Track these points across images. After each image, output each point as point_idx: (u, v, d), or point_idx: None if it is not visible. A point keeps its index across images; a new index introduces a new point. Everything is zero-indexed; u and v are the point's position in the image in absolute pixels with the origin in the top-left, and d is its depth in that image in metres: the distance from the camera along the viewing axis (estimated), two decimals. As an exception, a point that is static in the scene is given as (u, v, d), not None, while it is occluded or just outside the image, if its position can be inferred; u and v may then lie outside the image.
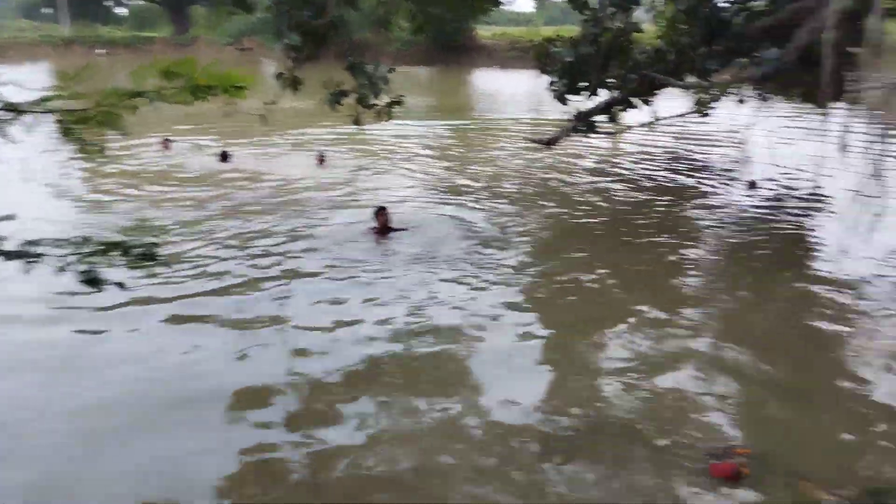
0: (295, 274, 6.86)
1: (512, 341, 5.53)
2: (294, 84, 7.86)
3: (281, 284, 6.58)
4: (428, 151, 13.78)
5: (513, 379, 4.97)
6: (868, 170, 6.42)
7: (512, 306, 6.21)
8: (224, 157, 11.95)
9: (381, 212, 8.14)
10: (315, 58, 7.96)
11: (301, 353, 5.30)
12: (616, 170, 12.11)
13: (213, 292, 6.37)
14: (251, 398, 4.67)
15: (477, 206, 9.54)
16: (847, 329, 5.80)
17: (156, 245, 3.28)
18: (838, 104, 8.79)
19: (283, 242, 7.85)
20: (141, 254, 3.10)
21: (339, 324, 5.74)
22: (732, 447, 4.07)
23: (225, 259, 7.25)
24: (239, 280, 6.68)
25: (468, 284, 6.64)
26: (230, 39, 37.32)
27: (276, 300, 6.21)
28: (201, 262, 7.09)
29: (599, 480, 3.88)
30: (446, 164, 12.62)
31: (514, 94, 25.64)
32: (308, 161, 12.13)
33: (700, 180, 11.34)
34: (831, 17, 6.58)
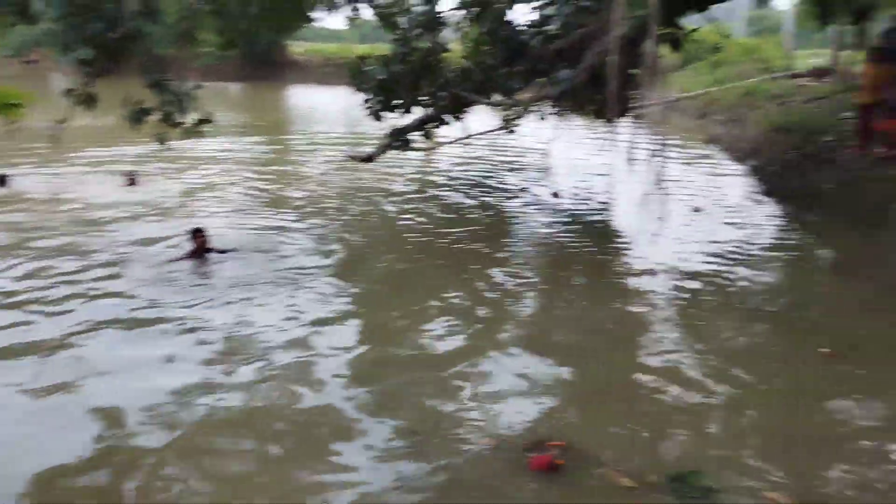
0: (94, 305, 6.31)
1: (336, 358, 5.51)
2: (87, 101, 7.29)
3: (76, 323, 5.98)
4: (246, 169, 13.34)
5: (335, 394, 4.95)
6: (651, 178, 7.16)
7: (336, 321, 6.19)
8: (1, 181, 10.73)
9: (197, 233, 7.75)
10: (109, 73, 7.42)
11: (102, 411, 4.90)
12: (432, 183, 12.49)
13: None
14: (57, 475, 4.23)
15: (300, 223, 9.40)
16: (643, 326, 6.39)
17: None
18: (624, 120, 9.79)
19: (82, 270, 7.20)
20: None
21: (139, 362, 5.37)
22: (547, 441, 4.32)
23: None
24: (25, 317, 6.03)
25: (292, 304, 6.52)
26: (12, 52, 33.55)
27: (71, 338, 5.67)
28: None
29: (424, 479, 3.99)
30: (267, 181, 12.30)
31: (330, 110, 25.58)
32: (113, 182, 11.25)
33: (509, 192, 12.02)
34: (613, 42, 7.28)
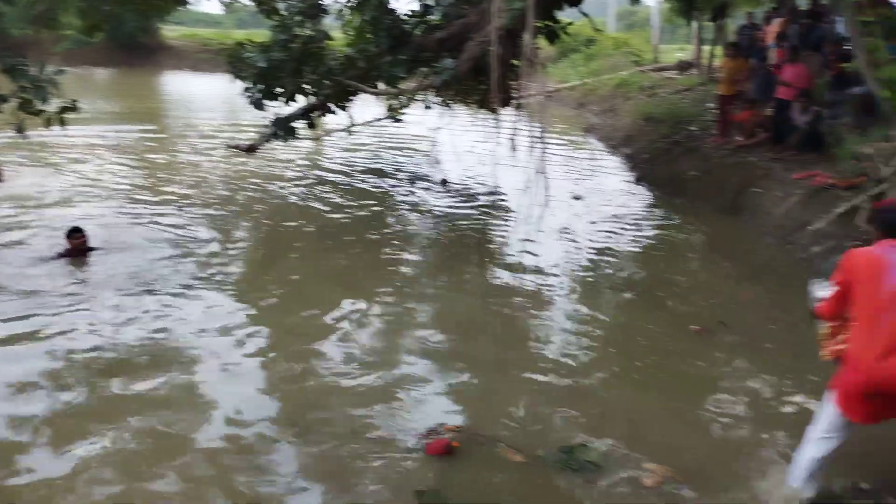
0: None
1: (228, 354, 5.37)
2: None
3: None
4: (122, 159, 12.56)
5: (230, 392, 4.83)
6: (533, 166, 7.39)
7: (225, 317, 6.02)
8: None
9: (75, 233, 7.26)
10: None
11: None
12: (319, 173, 12.30)
13: None
14: None
15: (184, 216, 9.03)
16: (525, 311, 6.60)
17: None
18: (507, 109, 10.04)
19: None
20: None
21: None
22: (442, 425, 4.43)
23: None
24: None
25: (183, 298, 6.33)
26: None
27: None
28: None
29: (324, 476, 3.97)
30: (145, 172, 11.67)
31: (208, 97, 24.52)
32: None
33: (398, 180, 12.05)
34: (493, 33, 7.43)
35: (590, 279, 7.46)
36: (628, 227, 9.62)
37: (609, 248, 8.58)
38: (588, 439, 4.34)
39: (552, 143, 7.90)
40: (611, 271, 7.74)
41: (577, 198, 10.99)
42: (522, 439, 4.34)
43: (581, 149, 15.70)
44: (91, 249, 7.34)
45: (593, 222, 9.67)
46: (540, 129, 7.61)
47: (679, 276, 7.85)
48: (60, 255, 7.20)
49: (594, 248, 8.50)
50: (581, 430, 4.51)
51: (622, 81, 19.98)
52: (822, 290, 3.76)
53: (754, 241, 8.96)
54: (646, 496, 3.88)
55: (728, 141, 11.59)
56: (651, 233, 9.55)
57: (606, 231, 9.31)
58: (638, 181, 12.27)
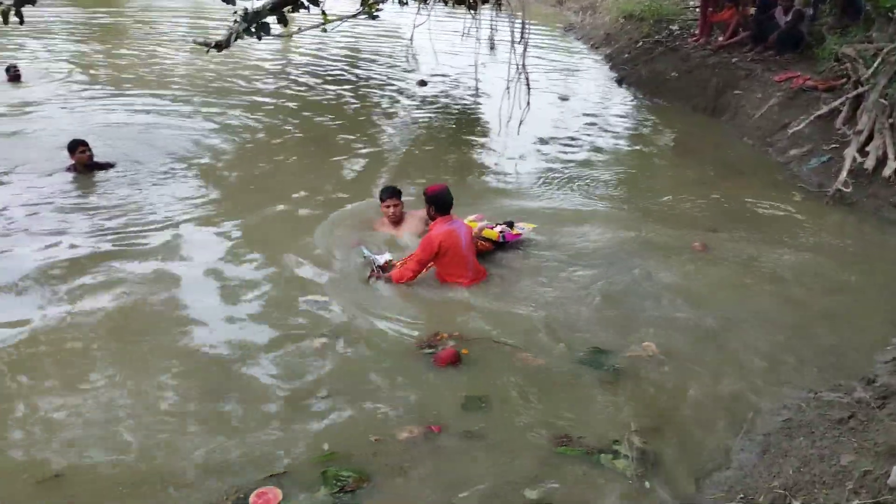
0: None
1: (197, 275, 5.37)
2: None
3: None
4: (83, 52, 12.02)
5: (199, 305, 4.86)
6: (514, 65, 7.22)
7: (203, 226, 5.98)
8: None
9: (80, 146, 6.73)
10: None
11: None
12: (290, 72, 11.90)
13: None
14: None
15: (173, 124, 8.72)
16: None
17: None
18: (485, 7, 9.71)
19: None
20: None
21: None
22: (437, 334, 4.43)
23: None
24: None
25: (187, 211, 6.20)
26: None
27: None
28: None
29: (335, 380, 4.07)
30: (113, 70, 11.18)
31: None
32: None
33: (376, 82, 11.73)
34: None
35: (575, 187, 7.38)
36: (609, 128, 9.58)
37: (591, 152, 8.56)
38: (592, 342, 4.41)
39: (531, 42, 7.68)
40: (594, 177, 7.72)
41: (563, 98, 10.85)
42: (530, 345, 4.40)
43: (560, 48, 15.36)
44: (95, 166, 6.84)
45: (574, 125, 9.59)
46: (521, 28, 7.41)
47: (661, 180, 7.90)
48: (66, 169, 6.80)
49: (576, 153, 8.48)
50: (584, 334, 4.57)
51: (602, -23, 19.29)
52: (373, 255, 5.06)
53: (734, 143, 8.99)
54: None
55: (709, 41, 11.41)
56: (631, 135, 9.52)
57: (586, 133, 9.26)
58: (619, 82, 12.11)
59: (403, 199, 5.82)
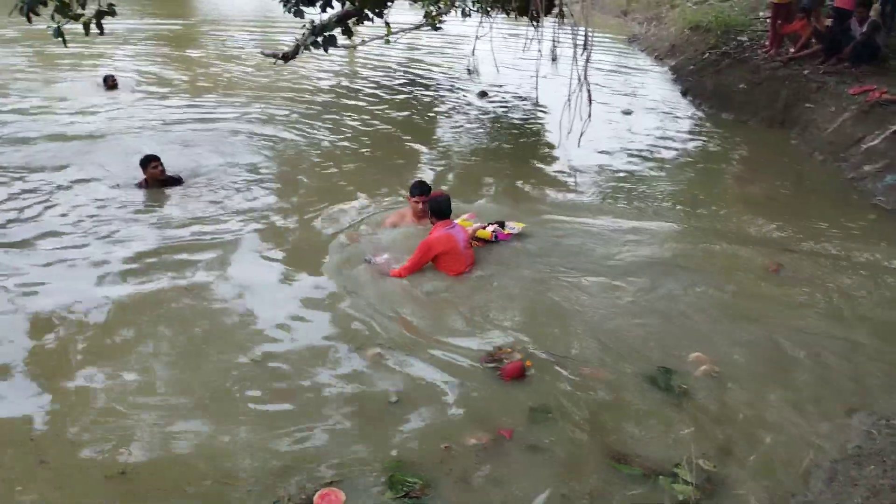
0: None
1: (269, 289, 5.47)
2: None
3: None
4: (163, 65, 12.51)
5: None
6: (577, 77, 7.15)
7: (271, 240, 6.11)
8: None
9: (152, 161, 6.80)
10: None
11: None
12: (356, 84, 12.10)
13: None
14: None
15: (242, 130, 8.98)
16: (572, 233, 6.31)
17: None
18: (549, 18, 9.66)
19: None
20: None
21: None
22: (500, 348, 4.41)
23: None
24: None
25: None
26: None
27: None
28: None
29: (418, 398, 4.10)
30: (188, 79, 11.59)
31: (241, 4, 23.96)
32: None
33: (437, 91, 11.82)
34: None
35: (638, 201, 7.20)
36: (674, 143, 9.38)
37: (654, 166, 8.40)
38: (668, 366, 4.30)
39: (595, 54, 7.59)
40: (657, 191, 7.56)
41: (626, 112, 10.69)
42: (594, 360, 4.35)
43: (625, 60, 15.16)
44: (167, 181, 6.92)
45: (637, 138, 9.44)
46: (584, 39, 7.34)
47: (728, 196, 7.66)
48: (139, 186, 6.90)
49: (639, 167, 8.33)
50: (647, 351, 4.47)
51: (668, -13, 19.00)
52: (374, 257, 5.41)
53: (804, 159, 8.68)
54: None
55: (779, 52, 11.08)
56: (697, 149, 9.30)
57: (650, 147, 9.09)
58: (684, 94, 11.87)
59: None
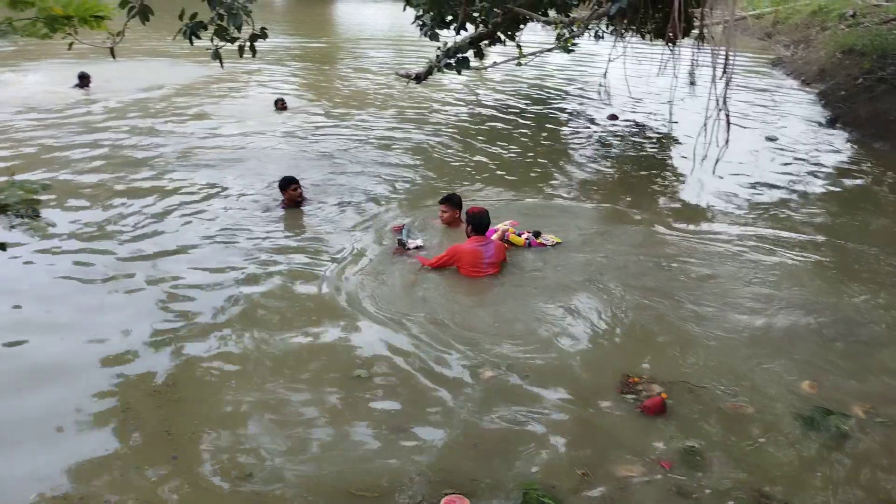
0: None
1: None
2: (143, 13, 7.21)
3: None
4: (307, 92, 13.26)
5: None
6: (713, 103, 6.86)
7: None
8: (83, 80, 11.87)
9: (291, 184, 6.99)
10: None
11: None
12: (484, 103, 12.25)
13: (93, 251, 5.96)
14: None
15: (373, 149, 9.29)
16: (706, 262, 6.12)
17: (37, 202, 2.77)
18: (686, 40, 9.34)
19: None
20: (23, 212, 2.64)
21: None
22: (628, 377, 4.26)
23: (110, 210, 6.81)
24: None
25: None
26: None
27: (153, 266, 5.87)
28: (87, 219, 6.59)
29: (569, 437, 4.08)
30: (329, 100, 12.21)
31: (378, 26, 25.01)
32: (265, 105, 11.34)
33: (566, 114, 11.73)
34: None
35: (772, 232, 6.81)
36: (820, 173, 8.76)
37: (797, 198, 7.86)
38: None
39: (735, 78, 7.26)
40: (798, 225, 7.06)
41: (770, 139, 10.13)
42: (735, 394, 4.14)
43: (768, 84, 14.39)
44: (303, 202, 7.13)
45: (781, 167, 8.89)
46: (725, 62, 7.02)
47: (879, 235, 7.01)
48: (279, 205, 7.08)
49: (777, 198, 7.83)
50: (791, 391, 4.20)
51: (819, 8, 17.90)
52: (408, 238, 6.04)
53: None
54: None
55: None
56: (847, 182, 8.62)
57: (793, 177, 8.53)
58: (833, 122, 11.08)
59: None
